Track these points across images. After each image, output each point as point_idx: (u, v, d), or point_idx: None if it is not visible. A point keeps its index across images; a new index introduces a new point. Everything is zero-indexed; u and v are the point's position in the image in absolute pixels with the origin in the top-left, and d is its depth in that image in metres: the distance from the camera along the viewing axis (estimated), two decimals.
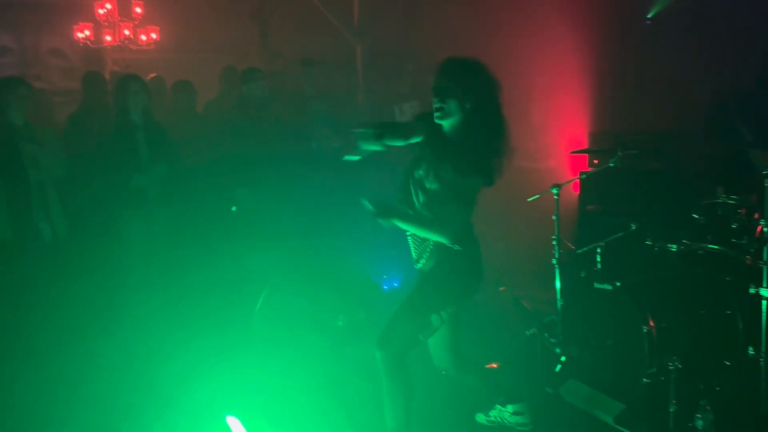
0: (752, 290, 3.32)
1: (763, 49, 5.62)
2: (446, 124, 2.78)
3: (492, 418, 3.31)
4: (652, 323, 3.34)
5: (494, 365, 3.94)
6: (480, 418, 3.37)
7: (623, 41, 6.58)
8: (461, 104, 2.72)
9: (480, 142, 2.70)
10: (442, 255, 2.81)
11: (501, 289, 5.27)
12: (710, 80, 5.87)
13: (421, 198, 2.77)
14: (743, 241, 3.50)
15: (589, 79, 6.47)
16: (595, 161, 5.74)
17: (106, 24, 7.83)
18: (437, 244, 2.80)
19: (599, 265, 4.09)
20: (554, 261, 3.95)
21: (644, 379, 3.34)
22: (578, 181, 4.66)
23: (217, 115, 5.54)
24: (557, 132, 6.68)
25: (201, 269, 4.06)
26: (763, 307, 3.26)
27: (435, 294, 2.83)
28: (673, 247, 3.84)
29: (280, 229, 4.53)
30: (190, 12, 8.75)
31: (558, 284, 3.94)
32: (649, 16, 7.07)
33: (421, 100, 4.58)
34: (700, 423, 3.00)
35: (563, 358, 3.79)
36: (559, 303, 3.90)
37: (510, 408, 3.20)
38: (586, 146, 6.16)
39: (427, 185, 2.75)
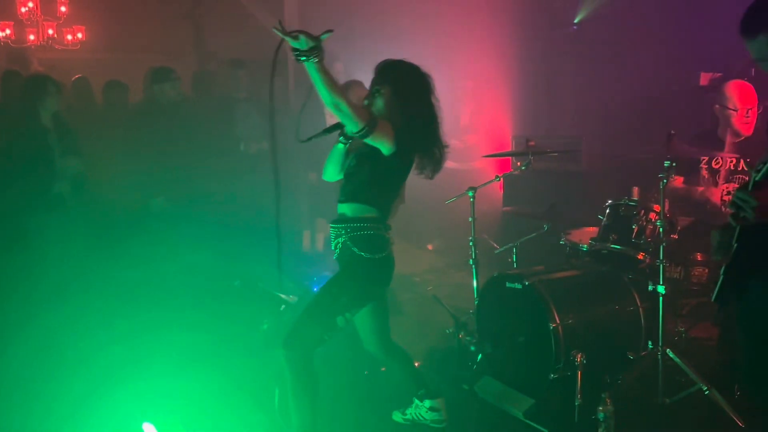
0: (650, 287, 3.51)
1: (676, 57, 5.91)
2: None
3: (408, 416, 3.38)
4: (558, 320, 3.47)
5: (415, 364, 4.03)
6: (396, 416, 3.44)
7: (545, 48, 6.79)
8: (391, 103, 2.88)
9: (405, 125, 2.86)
10: (353, 259, 2.90)
11: (429, 289, 5.39)
12: (626, 86, 6.13)
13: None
14: (641, 241, 3.69)
15: (513, 84, 6.66)
16: (518, 163, 5.91)
17: (28, 23, 7.64)
18: (349, 239, 2.89)
19: (515, 264, 4.24)
20: (471, 261, 4.07)
21: (551, 375, 3.47)
22: (501, 182, 4.80)
23: (143, 117, 5.48)
24: (483, 134, 6.85)
25: (117, 274, 4.02)
26: (660, 303, 3.44)
27: (343, 296, 2.91)
28: (584, 247, 4.02)
29: (199, 232, 4.52)
30: (120, 11, 8.58)
31: (474, 284, 4.07)
32: (575, 21, 7.32)
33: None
34: (601, 415, 3.14)
35: (479, 356, 3.91)
36: (476, 302, 4.02)
37: (427, 403, 3.28)
38: (509, 149, 6.32)
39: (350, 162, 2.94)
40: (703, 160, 4.08)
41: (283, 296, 4.70)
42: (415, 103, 2.90)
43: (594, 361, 3.40)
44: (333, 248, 3.01)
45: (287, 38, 2.49)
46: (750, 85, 3.94)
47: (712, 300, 2.30)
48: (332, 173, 3.04)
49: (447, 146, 3.02)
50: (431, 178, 3.03)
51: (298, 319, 2.92)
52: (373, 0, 7.07)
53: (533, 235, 4.30)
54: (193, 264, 4.54)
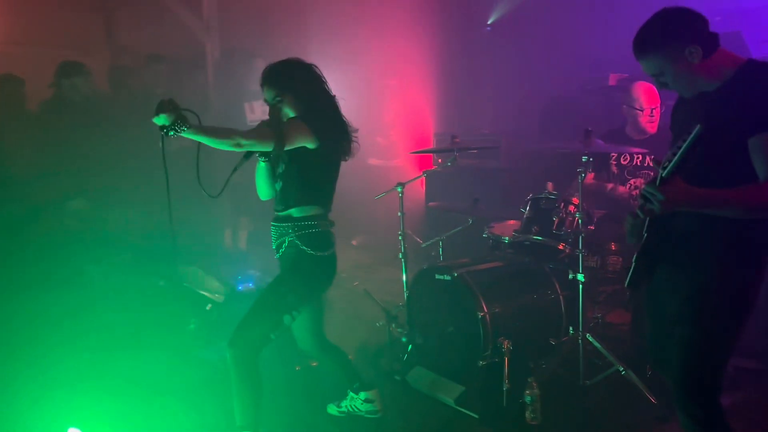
0: (570, 276, 3.71)
1: (587, 58, 6.20)
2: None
3: (343, 408, 3.42)
4: (485, 309, 3.61)
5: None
6: (331, 409, 3.48)
7: (464, 48, 6.97)
8: (296, 106, 2.94)
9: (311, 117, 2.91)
10: (300, 256, 2.93)
11: (355, 284, 5.45)
12: (541, 86, 6.40)
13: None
14: (562, 233, 3.89)
15: (435, 82, 6.81)
16: (440, 160, 6.06)
17: None
18: (296, 237, 2.91)
19: (441, 257, 4.36)
20: (400, 255, 4.15)
21: (480, 362, 3.60)
22: (423, 178, 4.91)
23: (53, 115, 5.23)
24: (406, 132, 6.97)
25: (36, 277, 3.84)
26: (580, 291, 3.64)
27: (289, 294, 2.93)
28: (506, 240, 4.19)
29: (120, 231, 4.39)
30: (25, 3, 8.12)
31: (404, 277, 4.16)
32: (489, 22, 7.56)
33: None
34: (528, 398, 3.30)
35: (410, 347, 4.01)
36: (406, 294, 4.11)
37: (362, 395, 3.33)
38: (431, 146, 6.48)
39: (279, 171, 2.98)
40: (613, 156, 4.33)
41: (209, 295, 4.63)
42: (316, 96, 2.97)
43: (520, 348, 3.57)
44: (275, 247, 3.02)
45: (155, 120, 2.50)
46: (647, 86, 4.20)
47: (626, 285, 2.45)
48: (265, 191, 3.06)
49: (356, 129, 3.09)
50: (345, 159, 3.08)
51: (243, 318, 2.90)
52: None
53: (458, 229, 4.44)
54: (115, 264, 4.40)
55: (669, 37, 2.20)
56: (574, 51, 6.27)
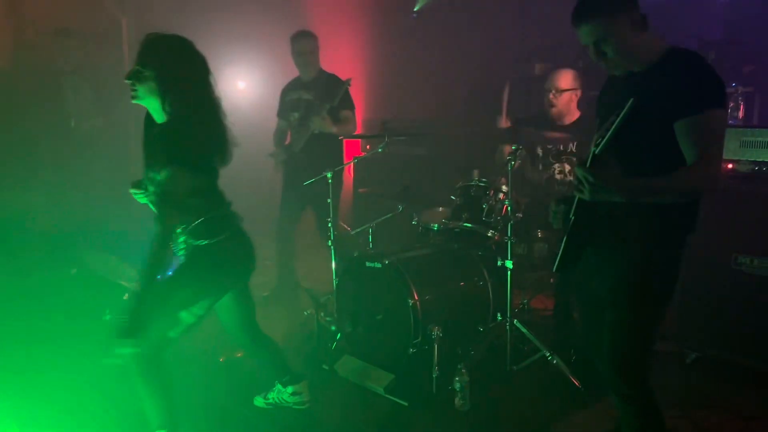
0: (499, 263, 3.75)
1: (514, 48, 6.30)
2: (149, 108, 2.62)
3: (270, 400, 3.32)
4: (416, 296, 3.59)
5: None
6: (258, 401, 3.37)
7: (392, 35, 6.93)
8: (157, 86, 2.53)
9: (183, 127, 2.52)
10: (194, 251, 2.67)
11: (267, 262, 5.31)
12: (468, 74, 6.45)
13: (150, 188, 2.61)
14: (491, 220, 3.92)
15: (363, 69, 6.73)
16: (368, 146, 6.01)
17: None
18: (187, 235, 2.65)
19: (371, 245, 4.31)
20: (329, 243, 4.07)
21: (410, 349, 3.58)
22: (352, 165, 4.84)
23: None
24: None
25: None
26: (508, 277, 3.68)
27: (181, 290, 2.66)
28: (435, 227, 4.18)
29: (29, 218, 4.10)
30: None
31: (333, 265, 4.08)
32: (414, 9, 7.54)
33: None
34: (458, 385, 3.32)
35: (339, 336, 3.94)
36: (335, 282, 4.04)
37: (290, 388, 3.24)
38: (359, 132, 6.40)
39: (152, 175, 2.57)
40: (538, 142, 4.38)
41: (125, 284, 4.40)
42: (185, 91, 2.54)
43: (449, 335, 3.58)
44: (176, 252, 2.74)
45: None
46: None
47: (554, 270, 2.48)
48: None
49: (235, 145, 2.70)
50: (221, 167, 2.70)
51: (137, 315, 2.50)
52: None
53: (388, 216, 4.40)
54: (21, 251, 4.11)
55: (618, 3, 2.24)
56: (503, 41, 6.36)
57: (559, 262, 2.43)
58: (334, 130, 4.56)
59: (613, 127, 2.09)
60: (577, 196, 2.27)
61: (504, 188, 3.94)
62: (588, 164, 2.16)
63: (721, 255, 3.55)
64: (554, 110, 4.13)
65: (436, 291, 3.75)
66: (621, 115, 2.07)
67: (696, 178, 2.16)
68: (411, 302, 3.57)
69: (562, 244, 2.39)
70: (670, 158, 2.20)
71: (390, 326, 3.73)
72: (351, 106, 4.70)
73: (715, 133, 2.16)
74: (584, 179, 2.13)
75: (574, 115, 4.17)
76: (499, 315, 3.78)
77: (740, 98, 4.09)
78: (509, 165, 3.64)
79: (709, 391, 3.46)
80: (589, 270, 2.50)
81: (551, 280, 4.12)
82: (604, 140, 2.12)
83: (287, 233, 4.94)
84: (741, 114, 4.11)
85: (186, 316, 2.68)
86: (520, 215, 3.86)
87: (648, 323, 2.36)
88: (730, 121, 4.08)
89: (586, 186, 2.13)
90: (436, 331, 3.46)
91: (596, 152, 2.14)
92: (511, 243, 3.64)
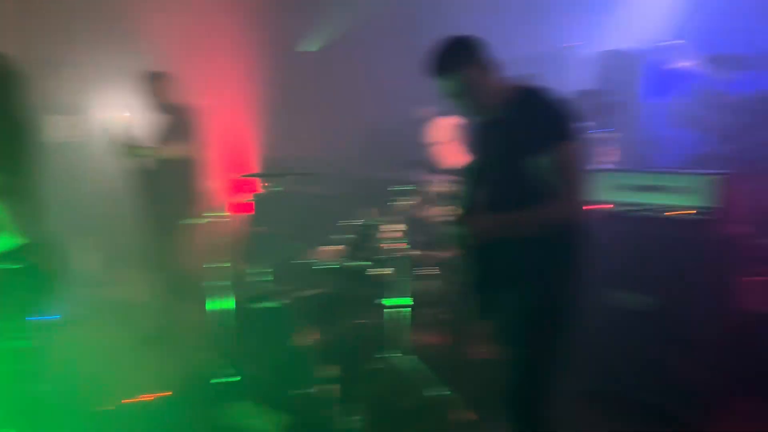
0: (395, 300, 3.82)
1: (405, 91, 6.50)
2: None
3: None
4: (312, 336, 3.58)
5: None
6: None
7: (291, 73, 6.98)
8: None
9: None
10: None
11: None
12: (369, 113, 6.60)
13: None
14: (387, 258, 4.00)
15: (262, 106, 6.72)
16: (266, 183, 5.97)
17: None
18: None
19: (266, 284, 4.27)
20: (225, 283, 3.99)
21: (306, 389, 3.55)
22: (249, 203, 4.79)
23: None
24: (228, 154, 6.78)
25: None
26: (405, 313, 3.76)
27: None
28: (331, 265, 4.21)
29: None
30: None
31: (227, 306, 3.99)
32: (313, 49, 7.64)
33: None
34: (354, 424, 3.32)
35: (231, 378, 3.84)
36: (228, 324, 3.95)
37: None
38: (256, 170, 6.37)
39: None
40: (423, 184, 4.55)
41: None
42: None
43: (346, 373, 3.59)
44: None
45: None
46: (452, 119, 4.46)
47: (479, 317, 2.56)
48: None
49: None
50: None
51: None
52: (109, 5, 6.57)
53: (284, 255, 4.38)
54: None
55: (472, 55, 2.40)
56: (400, 83, 6.54)
57: (481, 311, 2.52)
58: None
59: (463, 187, 2.20)
60: (464, 247, 2.38)
61: (399, 227, 4.03)
62: (459, 217, 2.25)
63: (597, 291, 3.79)
64: (450, 157, 4.33)
65: (331, 330, 3.76)
66: (462, 176, 2.19)
67: (562, 209, 2.30)
68: (306, 342, 3.56)
69: (472, 291, 2.48)
70: (541, 193, 2.31)
71: (286, 367, 3.69)
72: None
73: (574, 163, 2.30)
74: (460, 228, 2.22)
75: (459, 157, 4.37)
76: (396, 351, 3.83)
77: (614, 143, 4.45)
78: (402, 203, 3.75)
79: (594, 423, 3.63)
80: (495, 311, 2.57)
81: (448, 316, 4.23)
82: (461, 199, 2.22)
83: None
84: (615, 158, 4.46)
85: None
86: (417, 253, 3.97)
87: (545, 360, 2.42)
88: (608, 165, 4.42)
89: (465, 238, 2.23)
90: (334, 371, 3.46)
91: (462, 211, 2.24)
92: (407, 279, 3.72)
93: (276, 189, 4.11)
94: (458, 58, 2.40)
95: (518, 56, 6.58)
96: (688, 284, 3.54)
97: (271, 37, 6.99)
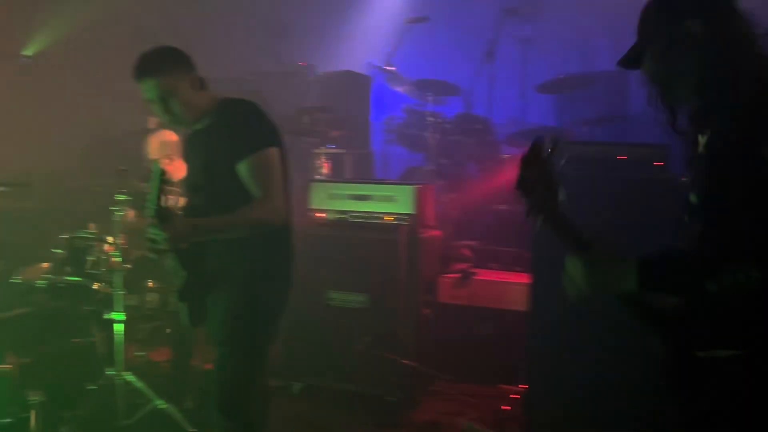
0: (108, 316, 3.65)
1: (134, 99, 6.22)
2: None
3: None
4: (14, 361, 3.28)
5: None
6: None
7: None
8: None
9: None
10: None
11: None
12: (84, 125, 6.18)
13: None
14: (98, 272, 3.82)
15: None
16: None
17: None
18: None
19: None
20: None
21: (6, 420, 3.25)
22: None
23: None
24: None
25: None
26: (118, 330, 3.61)
27: None
28: (38, 283, 3.89)
29: None
30: None
31: None
32: (27, 53, 6.97)
33: None
34: None
35: None
36: None
37: None
38: None
39: None
40: (141, 195, 4.39)
41: None
42: None
43: (54, 399, 3.33)
44: None
45: None
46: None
47: (190, 324, 2.56)
48: None
49: None
50: None
51: None
52: None
53: None
54: None
55: (170, 64, 2.47)
56: (125, 91, 6.23)
57: (190, 317, 2.52)
58: None
59: (153, 190, 2.25)
60: (171, 251, 2.40)
61: (110, 239, 3.87)
62: (154, 221, 2.27)
63: (316, 292, 4.06)
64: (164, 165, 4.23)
65: (38, 353, 3.48)
66: (153, 180, 2.25)
67: (261, 212, 2.43)
68: (5, 368, 3.24)
69: (181, 300, 2.50)
70: (246, 199, 2.43)
71: None
72: None
73: (271, 169, 2.45)
74: (156, 236, 2.25)
75: (181, 171, 4.33)
76: (108, 370, 3.66)
77: (328, 157, 4.77)
78: (116, 215, 3.61)
79: (318, 417, 3.89)
80: (204, 314, 2.59)
81: (167, 330, 4.13)
82: (151, 203, 2.26)
83: None
84: (328, 170, 4.78)
85: None
86: (129, 266, 3.84)
87: (246, 358, 2.51)
88: (322, 177, 4.71)
89: (162, 242, 2.26)
90: (36, 398, 3.20)
91: (151, 214, 2.27)
92: (121, 294, 3.59)
93: None
94: (155, 65, 2.46)
95: (248, 72, 6.77)
96: (393, 282, 3.95)
97: None
